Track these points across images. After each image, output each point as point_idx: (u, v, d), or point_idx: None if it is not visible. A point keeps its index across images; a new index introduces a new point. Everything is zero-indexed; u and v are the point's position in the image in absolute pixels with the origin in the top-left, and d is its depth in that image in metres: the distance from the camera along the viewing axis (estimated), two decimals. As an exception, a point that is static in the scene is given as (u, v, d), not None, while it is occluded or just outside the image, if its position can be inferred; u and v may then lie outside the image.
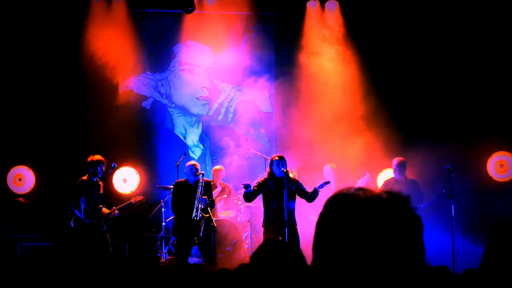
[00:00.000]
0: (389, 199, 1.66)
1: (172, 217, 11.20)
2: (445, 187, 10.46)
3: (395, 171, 11.32)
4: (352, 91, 13.32)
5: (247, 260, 11.46)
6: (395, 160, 11.28)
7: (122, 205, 10.87)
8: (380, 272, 1.55)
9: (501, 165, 12.90)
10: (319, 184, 9.71)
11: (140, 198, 11.15)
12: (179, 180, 10.69)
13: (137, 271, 3.97)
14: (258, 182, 9.85)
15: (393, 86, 13.37)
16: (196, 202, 10.05)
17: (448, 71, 12.94)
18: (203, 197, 10.04)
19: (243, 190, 9.85)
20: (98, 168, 10.47)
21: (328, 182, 9.83)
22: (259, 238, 11.09)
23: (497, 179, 12.92)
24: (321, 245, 1.66)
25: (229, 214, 12.30)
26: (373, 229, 1.58)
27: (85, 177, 10.54)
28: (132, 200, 11.05)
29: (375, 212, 1.61)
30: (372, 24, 13.58)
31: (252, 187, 9.65)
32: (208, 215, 10.00)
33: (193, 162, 10.56)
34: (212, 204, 10.31)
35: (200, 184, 10.12)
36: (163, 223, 12.35)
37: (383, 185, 11.44)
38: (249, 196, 9.74)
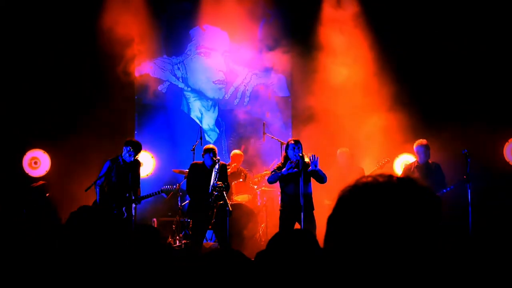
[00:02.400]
0: (406, 185, 1.63)
1: (187, 201, 11.21)
2: (462, 172, 10.33)
3: (417, 155, 10.81)
4: (371, 75, 13.22)
5: (262, 244, 11.48)
6: (417, 143, 10.79)
7: (148, 194, 10.68)
8: (395, 259, 1.54)
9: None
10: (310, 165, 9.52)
11: (170, 189, 11.03)
12: (196, 162, 10.66)
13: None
14: (275, 169, 9.83)
15: (412, 69, 13.24)
16: (210, 187, 10.04)
17: (467, 54, 12.78)
18: (218, 183, 10.01)
19: (271, 172, 9.82)
20: (124, 149, 10.39)
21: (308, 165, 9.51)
22: (275, 222, 11.07)
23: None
24: (334, 238, 1.65)
25: (245, 198, 12.30)
26: (389, 216, 1.56)
27: (111, 157, 10.49)
28: (162, 191, 10.92)
29: (390, 198, 1.59)
30: (391, 4, 13.42)
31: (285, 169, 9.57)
32: (222, 202, 9.98)
33: (211, 146, 10.52)
34: (227, 187, 10.27)
35: (215, 169, 10.10)
36: (179, 207, 12.38)
37: (404, 169, 11.10)
38: (275, 179, 9.71)
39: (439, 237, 1.61)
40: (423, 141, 10.75)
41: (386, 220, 1.57)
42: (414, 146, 10.79)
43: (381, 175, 1.67)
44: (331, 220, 1.68)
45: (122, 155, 10.35)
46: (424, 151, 10.65)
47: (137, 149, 10.44)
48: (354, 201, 1.63)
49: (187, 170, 11.04)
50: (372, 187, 1.63)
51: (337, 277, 1.59)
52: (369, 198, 1.61)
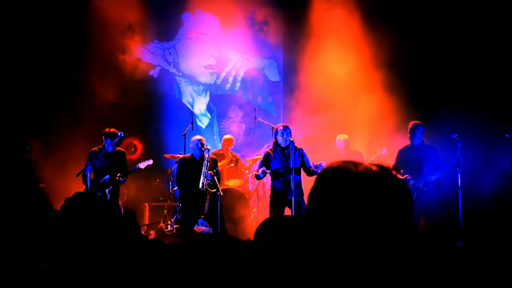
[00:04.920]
0: (379, 172, 1.65)
1: (176, 187, 11.25)
2: (452, 156, 10.34)
3: (410, 136, 10.46)
4: (364, 59, 13.17)
5: (254, 228, 11.52)
6: (410, 124, 10.49)
7: (128, 170, 10.82)
8: (371, 244, 1.57)
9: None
10: (316, 164, 9.53)
11: (147, 162, 11.10)
12: (184, 156, 10.68)
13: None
14: (263, 158, 9.87)
15: (405, 54, 13.17)
16: (202, 177, 10.07)
17: (460, 42, 12.76)
18: (208, 172, 10.06)
19: (255, 171, 9.90)
20: (104, 139, 10.51)
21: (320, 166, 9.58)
22: (266, 206, 11.11)
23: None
24: (313, 219, 1.67)
25: (236, 183, 12.33)
26: (363, 203, 1.59)
27: (95, 148, 10.61)
28: (139, 165, 11.01)
29: (364, 185, 1.62)
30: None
31: (261, 172, 9.64)
32: (214, 190, 10.01)
33: (198, 136, 10.52)
34: (217, 175, 10.28)
35: (205, 159, 10.13)
36: (170, 192, 12.41)
37: (398, 153, 10.72)
38: (260, 177, 9.81)
39: (413, 223, 1.65)
40: (418, 122, 10.52)
41: (354, 208, 1.61)
42: (409, 127, 10.52)
43: (356, 163, 1.69)
44: (309, 199, 1.72)
45: (105, 145, 10.49)
46: (419, 131, 10.39)
47: (114, 138, 10.53)
48: (331, 189, 1.66)
49: (178, 155, 11.08)
50: (344, 175, 1.66)
51: (318, 258, 1.63)
52: (340, 185, 1.64)
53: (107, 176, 10.46)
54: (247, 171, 12.57)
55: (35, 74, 12.93)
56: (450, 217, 10.39)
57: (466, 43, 12.55)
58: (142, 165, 11.00)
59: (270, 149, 9.85)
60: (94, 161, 10.42)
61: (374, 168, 1.67)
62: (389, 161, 12.45)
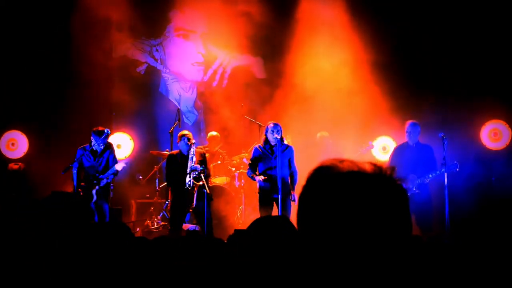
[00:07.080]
0: (373, 171, 1.61)
1: (165, 183, 11.20)
2: (439, 155, 10.35)
3: (406, 135, 10.46)
4: (350, 59, 13.16)
5: (240, 226, 11.51)
6: (407, 123, 10.48)
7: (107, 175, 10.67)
8: (366, 246, 1.53)
9: (495, 134, 12.81)
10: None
11: (122, 164, 10.97)
12: (172, 152, 10.66)
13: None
14: (254, 154, 9.91)
15: (390, 52, 13.17)
16: (188, 170, 10.05)
17: (446, 38, 12.80)
18: (195, 165, 10.05)
19: (249, 163, 10.02)
20: (92, 137, 10.44)
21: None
22: (253, 204, 11.12)
23: (491, 147, 12.85)
24: (305, 220, 1.62)
25: (223, 180, 12.31)
26: (356, 203, 1.54)
27: (82, 146, 10.54)
28: (116, 166, 10.85)
29: (357, 185, 1.57)
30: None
31: (262, 180, 9.70)
32: (200, 183, 9.98)
33: (185, 131, 10.51)
34: (205, 172, 10.22)
35: (192, 153, 10.12)
36: (157, 189, 12.38)
37: (393, 151, 10.87)
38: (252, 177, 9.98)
39: (410, 223, 1.60)
40: (414, 121, 10.53)
41: (348, 209, 1.55)
42: (406, 126, 10.52)
43: (348, 161, 1.63)
44: (300, 199, 1.67)
45: (92, 144, 10.39)
46: (417, 131, 10.41)
47: (100, 135, 10.45)
48: (322, 189, 1.60)
49: (166, 152, 11.04)
50: (336, 175, 1.60)
51: (306, 258, 1.58)
52: (337, 186, 1.58)
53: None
54: (233, 169, 12.55)
55: (22, 69, 12.88)
56: (437, 217, 10.44)
57: (454, 40, 12.59)
58: (119, 167, 10.77)
59: (260, 146, 9.90)
60: (82, 159, 10.34)
61: (368, 167, 1.61)
62: (375, 155, 12.52)
